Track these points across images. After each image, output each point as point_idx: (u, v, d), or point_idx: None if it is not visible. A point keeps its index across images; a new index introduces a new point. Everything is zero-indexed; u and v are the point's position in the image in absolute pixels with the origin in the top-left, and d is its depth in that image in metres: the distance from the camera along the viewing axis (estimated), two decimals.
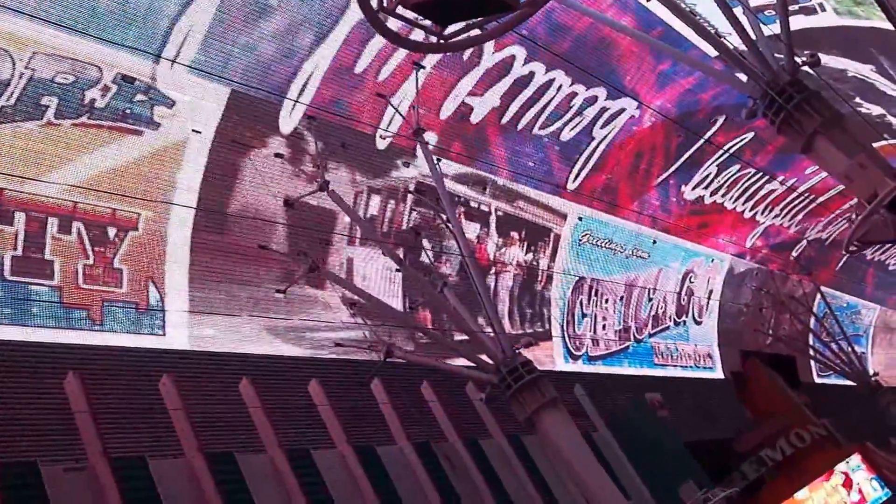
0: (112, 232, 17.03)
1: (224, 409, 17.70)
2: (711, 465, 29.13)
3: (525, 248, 27.80)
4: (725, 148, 31.29)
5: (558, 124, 25.72)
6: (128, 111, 16.46)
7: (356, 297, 20.17)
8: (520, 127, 24.66)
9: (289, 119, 19.21)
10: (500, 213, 26.24)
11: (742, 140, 31.89)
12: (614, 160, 28.66)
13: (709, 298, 39.17)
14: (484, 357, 18.41)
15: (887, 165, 15.47)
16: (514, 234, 27.30)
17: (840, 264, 47.37)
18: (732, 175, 34.06)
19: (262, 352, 19.38)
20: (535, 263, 28.26)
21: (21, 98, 14.96)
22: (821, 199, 39.01)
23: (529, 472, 21.84)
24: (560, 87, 24.48)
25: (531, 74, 23.34)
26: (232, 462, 16.14)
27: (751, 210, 37.06)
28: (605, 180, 28.96)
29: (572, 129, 26.27)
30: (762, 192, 36.42)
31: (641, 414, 26.49)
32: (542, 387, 17.75)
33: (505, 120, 24.05)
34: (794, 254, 42.86)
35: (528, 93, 23.82)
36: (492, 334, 18.09)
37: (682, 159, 31.29)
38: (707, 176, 33.05)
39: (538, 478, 21.98)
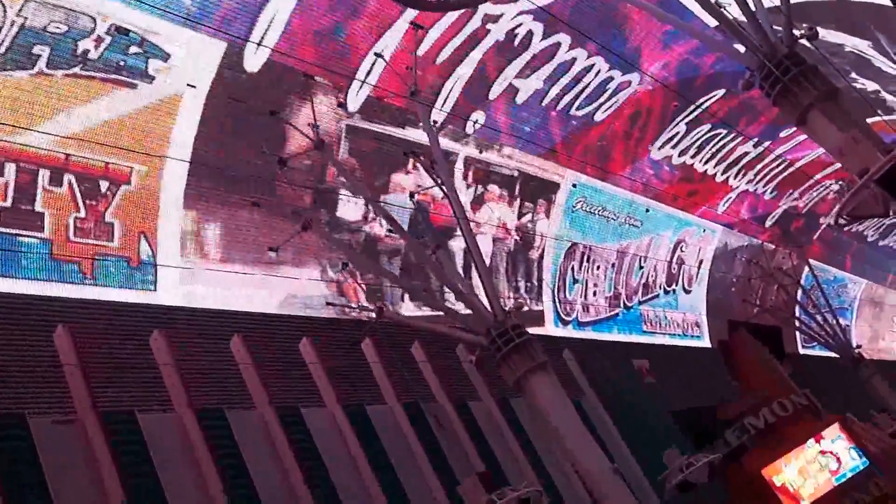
0: (104, 185, 16.97)
1: (214, 366, 17.77)
2: (695, 432, 29.49)
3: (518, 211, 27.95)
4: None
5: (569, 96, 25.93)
6: (122, 63, 16.32)
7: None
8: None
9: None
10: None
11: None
12: (610, 121, 28.67)
13: (699, 268, 39.36)
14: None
15: (880, 141, 15.50)
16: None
17: (828, 238, 47.58)
18: (720, 142, 34.15)
19: (253, 309, 19.43)
20: (529, 226, 28.33)
21: (12, 47, 14.81)
22: (814, 173, 39.18)
23: (516, 434, 22.04)
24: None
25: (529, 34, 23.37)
26: (222, 418, 16.23)
27: (734, 178, 37.02)
28: (598, 141, 28.88)
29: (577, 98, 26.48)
30: (748, 160, 36.36)
31: (628, 380, 26.74)
32: (531, 350, 17.85)
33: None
34: (782, 226, 43.05)
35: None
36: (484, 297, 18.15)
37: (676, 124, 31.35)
38: (696, 141, 33.14)
39: (525, 440, 22.19)
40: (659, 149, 32.05)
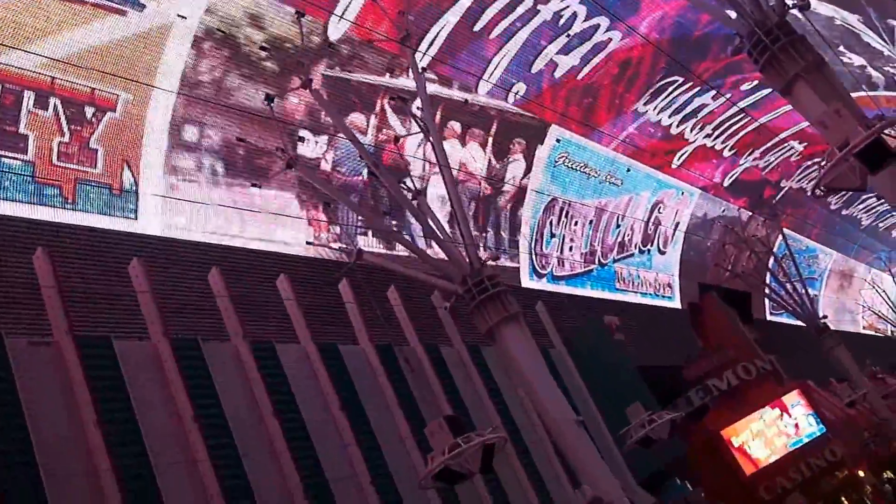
0: (90, 111, 16.92)
1: (191, 297, 17.94)
2: (660, 390, 30.02)
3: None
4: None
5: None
6: None
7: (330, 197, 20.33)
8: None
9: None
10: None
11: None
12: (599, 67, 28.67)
13: (675, 230, 39.72)
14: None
15: (862, 115, 15.73)
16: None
17: (798, 206, 47.86)
18: (706, 107, 34.23)
19: (233, 243, 19.54)
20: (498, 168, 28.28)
21: None
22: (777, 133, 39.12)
23: (485, 382, 22.40)
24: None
25: None
26: (196, 349, 16.37)
27: (718, 142, 37.06)
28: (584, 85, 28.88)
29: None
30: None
31: (598, 335, 27.12)
32: (505, 301, 18.12)
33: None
34: (754, 193, 43.45)
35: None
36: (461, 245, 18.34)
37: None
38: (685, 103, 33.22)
39: (493, 387, 22.56)
40: (644, 105, 32.16)
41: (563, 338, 27.07)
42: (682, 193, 39.13)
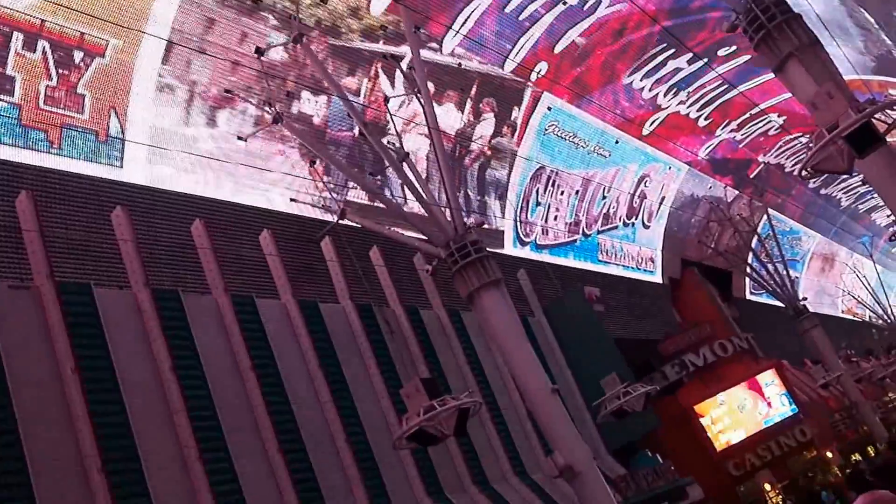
0: (78, 56, 16.71)
1: (174, 248, 17.89)
2: (636, 363, 30.25)
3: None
4: None
5: None
6: None
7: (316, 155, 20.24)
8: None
9: None
10: None
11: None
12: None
13: (660, 205, 39.81)
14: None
15: (853, 98, 15.74)
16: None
17: (787, 188, 47.97)
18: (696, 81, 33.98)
19: (217, 196, 19.46)
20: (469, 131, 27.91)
21: None
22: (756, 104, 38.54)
23: (463, 346, 22.54)
24: None
25: None
26: (176, 300, 16.37)
27: (692, 110, 36.51)
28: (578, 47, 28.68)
29: None
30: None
31: (578, 305, 27.25)
32: (487, 266, 18.16)
33: None
34: (738, 170, 43.50)
35: None
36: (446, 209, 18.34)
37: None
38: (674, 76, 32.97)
39: (471, 352, 22.70)
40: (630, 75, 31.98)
41: (544, 306, 27.22)
42: (670, 168, 39.12)
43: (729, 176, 43.01)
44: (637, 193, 37.96)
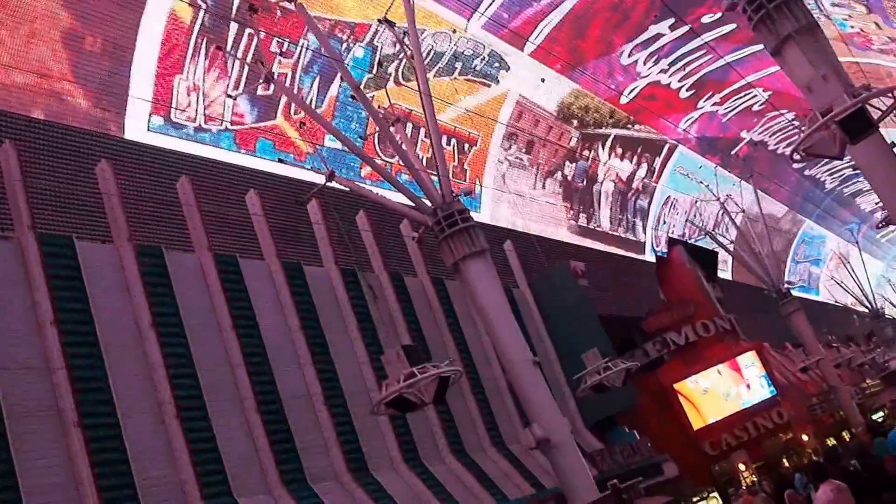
0: None
1: (158, 205, 17.74)
2: (618, 338, 30.27)
3: None
4: None
5: None
6: None
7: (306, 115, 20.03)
8: None
9: None
10: None
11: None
12: None
13: (656, 184, 39.87)
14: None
15: (848, 83, 15.66)
16: None
17: (771, 167, 47.52)
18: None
19: (204, 154, 19.28)
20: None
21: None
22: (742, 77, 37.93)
23: (446, 315, 22.50)
24: None
25: None
26: (159, 256, 16.24)
27: (674, 80, 35.96)
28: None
29: None
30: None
31: (563, 279, 27.21)
32: (473, 236, 18.09)
33: None
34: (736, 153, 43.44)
35: None
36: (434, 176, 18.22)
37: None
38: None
39: (453, 321, 22.68)
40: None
41: (529, 279, 27.19)
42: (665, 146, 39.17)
43: (718, 156, 42.83)
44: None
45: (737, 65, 34.43)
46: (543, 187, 33.28)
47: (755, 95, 39.43)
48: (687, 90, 36.83)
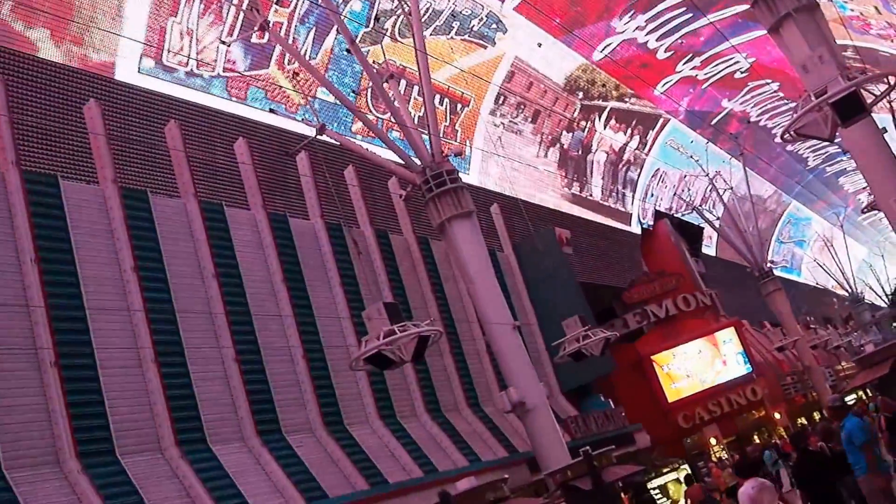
0: None
1: (146, 148, 17.61)
2: (599, 307, 30.52)
3: None
4: None
5: None
6: None
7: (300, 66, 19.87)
8: None
9: None
10: None
11: None
12: None
13: (646, 156, 39.82)
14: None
15: (844, 65, 15.65)
16: None
17: (755, 142, 46.97)
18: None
19: (195, 100, 19.11)
20: None
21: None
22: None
23: (429, 274, 22.50)
24: None
25: None
26: (144, 200, 16.13)
27: (651, 39, 34.85)
28: None
29: None
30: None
31: (548, 245, 27.25)
32: (460, 197, 18.11)
33: None
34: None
35: None
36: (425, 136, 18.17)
37: None
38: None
39: (436, 281, 22.69)
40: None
41: (514, 243, 27.22)
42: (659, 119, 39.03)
43: (708, 130, 42.64)
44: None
45: (720, 27, 33.23)
46: (543, 155, 33.19)
47: (737, 62, 38.09)
48: (665, 51, 35.53)
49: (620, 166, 38.96)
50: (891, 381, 18.68)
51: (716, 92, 40.25)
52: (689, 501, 19.80)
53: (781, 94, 39.92)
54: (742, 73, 39.24)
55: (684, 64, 36.79)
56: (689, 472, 25.25)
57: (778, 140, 45.36)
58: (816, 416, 36.45)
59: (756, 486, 8.10)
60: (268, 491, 15.05)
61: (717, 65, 38.07)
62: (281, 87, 20.50)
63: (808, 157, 52.40)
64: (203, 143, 18.60)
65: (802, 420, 37.43)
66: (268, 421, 16.33)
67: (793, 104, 38.77)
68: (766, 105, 42.63)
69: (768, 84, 38.76)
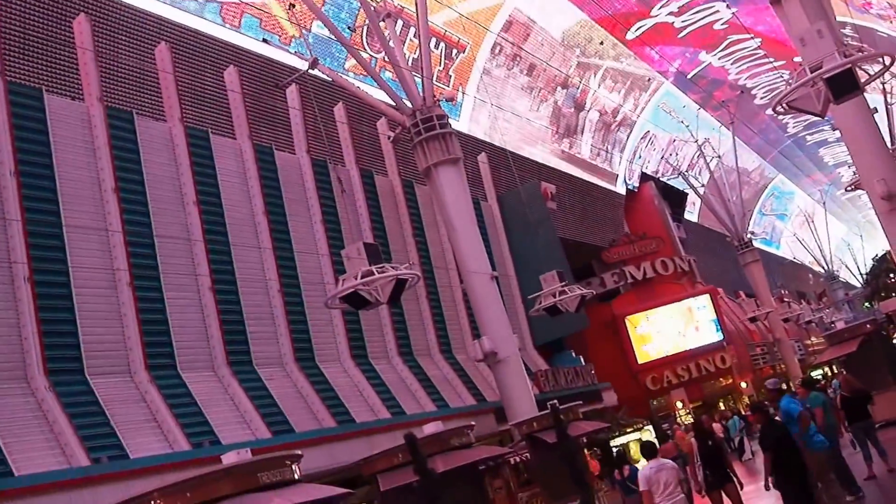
0: None
1: (135, 69, 17.32)
2: (578, 265, 30.63)
3: None
4: None
5: None
6: None
7: None
8: None
9: None
10: None
11: None
12: None
13: (638, 117, 39.67)
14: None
15: (842, 42, 15.58)
16: None
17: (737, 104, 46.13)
18: None
19: (187, 23, 18.79)
20: None
21: None
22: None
23: (412, 218, 22.46)
24: None
25: None
26: (129, 121, 15.93)
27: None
28: None
29: None
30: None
31: (532, 199, 27.24)
32: (449, 143, 18.04)
33: None
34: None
35: None
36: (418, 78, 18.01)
37: None
38: None
39: (418, 225, 22.67)
40: None
41: (498, 194, 27.20)
42: (649, 80, 38.80)
43: (699, 94, 42.26)
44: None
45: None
46: (536, 109, 32.99)
47: (717, 11, 36.13)
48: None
49: (613, 127, 38.79)
50: (857, 358, 18.94)
51: (693, 43, 38.48)
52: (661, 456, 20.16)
53: (763, 52, 39.02)
54: (722, 24, 37.19)
55: (661, 8, 34.59)
56: (653, 433, 25.66)
57: (758, 101, 45.28)
58: (783, 387, 37.00)
59: (654, 467, 8.63)
60: (234, 421, 15.14)
61: (696, 12, 35.91)
62: (276, 17, 20.17)
63: (787, 123, 51.48)
64: (193, 69, 18.32)
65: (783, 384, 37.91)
66: (239, 352, 16.36)
67: (776, 63, 38.72)
68: (745, 63, 41.42)
69: (750, 40, 37.50)
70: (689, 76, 39.73)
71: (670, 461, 9.22)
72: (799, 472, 9.26)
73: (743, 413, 28.61)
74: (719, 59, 40.06)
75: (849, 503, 11.19)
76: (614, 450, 23.67)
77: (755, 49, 38.61)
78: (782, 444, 9.37)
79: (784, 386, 35.87)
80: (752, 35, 36.42)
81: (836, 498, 10.05)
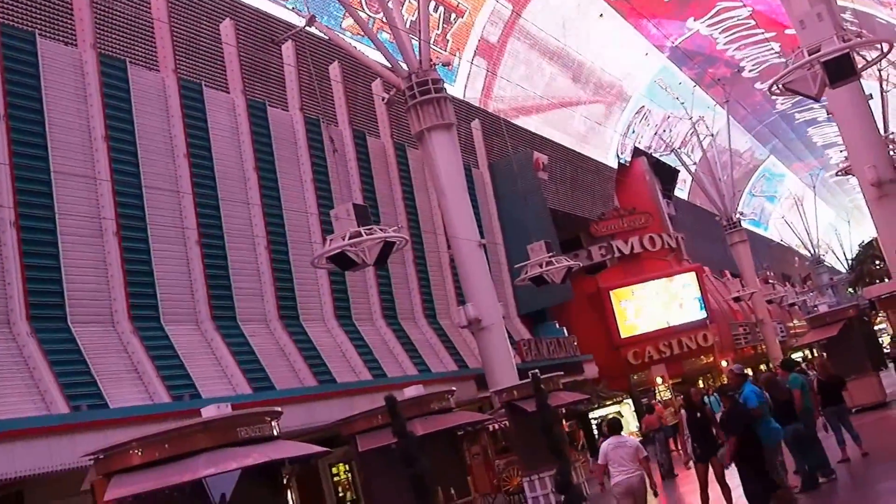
0: None
1: (130, 16, 17.10)
2: (566, 236, 30.68)
3: None
4: None
5: None
6: None
7: None
8: None
9: None
10: None
11: None
12: None
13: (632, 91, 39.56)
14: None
15: (841, 26, 15.54)
16: None
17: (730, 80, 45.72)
18: None
19: None
20: None
21: None
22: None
23: (402, 182, 22.43)
24: None
25: None
26: (122, 69, 15.77)
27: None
28: None
29: None
30: None
31: (523, 168, 27.21)
32: (443, 108, 17.96)
33: None
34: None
35: None
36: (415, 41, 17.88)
37: None
38: None
39: (408, 189, 22.64)
40: None
41: (490, 161, 27.15)
42: (647, 54, 38.59)
43: (694, 70, 41.95)
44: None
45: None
46: (531, 77, 32.81)
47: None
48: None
49: (609, 100, 38.67)
50: (838, 342, 19.09)
51: (679, 8, 37.74)
52: (644, 427, 20.43)
53: (753, 22, 38.53)
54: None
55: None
56: (632, 406, 25.88)
57: (747, 74, 44.97)
58: (762, 367, 37.26)
59: (612, 444, 8.91)
60: (216, 375, 15.18)
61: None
62: None
63: (776, 100, 50.89)
64: (189, 19, 18.12)
65: (748, 370, 38.19)
66: (224, 307, 16.37)
67: (767, 35, 38.32)
68: (735, 32, 40.79)
69: (740, 8, 37.01)
70: (676, 44, 39.06)
71: (632, 438, 9.56)
72: (758, 456, 9.66)
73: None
74: (707, 26, 39.30)
75: (822, 484, 11.38)
76: (594, 422, 23.86)
77: (745, 18, 38.11)
78: (748, 431, 9.74)
79: (762, 367, 36.42)
80: (743, 3, 36.01)
81: (782, 481, 10.33)
